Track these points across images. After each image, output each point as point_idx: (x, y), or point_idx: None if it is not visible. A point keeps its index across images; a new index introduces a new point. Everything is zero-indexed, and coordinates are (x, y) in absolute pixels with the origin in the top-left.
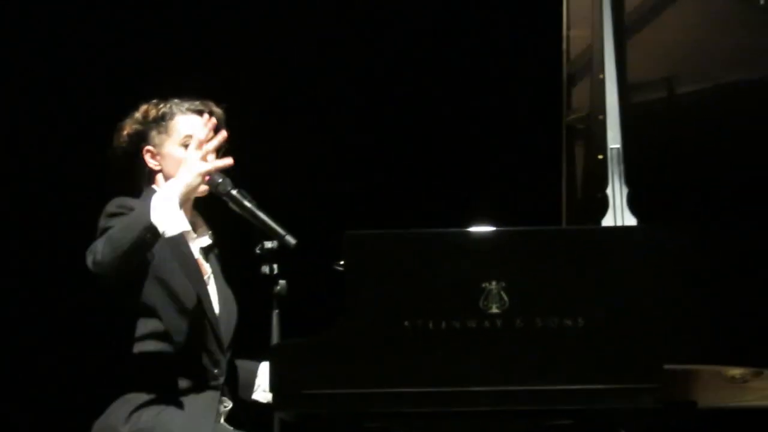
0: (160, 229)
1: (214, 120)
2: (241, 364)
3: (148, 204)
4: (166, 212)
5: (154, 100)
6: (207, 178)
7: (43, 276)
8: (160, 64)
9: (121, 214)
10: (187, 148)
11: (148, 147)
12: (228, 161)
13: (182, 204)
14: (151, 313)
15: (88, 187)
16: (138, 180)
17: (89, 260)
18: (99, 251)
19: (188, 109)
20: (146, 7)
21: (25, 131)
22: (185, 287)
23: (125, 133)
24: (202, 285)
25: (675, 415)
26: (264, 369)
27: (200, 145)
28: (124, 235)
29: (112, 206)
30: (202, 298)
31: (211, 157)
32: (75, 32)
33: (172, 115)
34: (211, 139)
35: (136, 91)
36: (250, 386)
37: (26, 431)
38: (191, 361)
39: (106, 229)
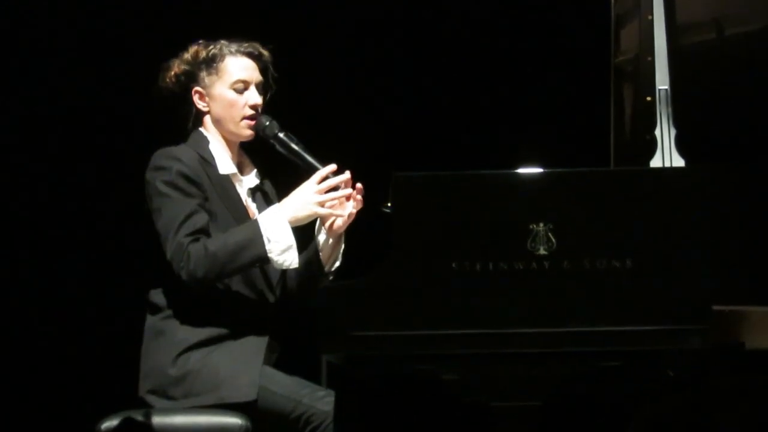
0: (277, 262)
1: (344, 175)
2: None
3: (256, 228)
4: (284, 245)
5: (203, 41)
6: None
7: (87, 223)
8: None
9: (167, 168)
10: (237, 92)
11: (197, 88)
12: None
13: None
14: None
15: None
16: (183, 122)
17: (184, 272)
18: (201, 268)
19: (238, 51)
20: None
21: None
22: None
23: (173, 72)
24: None
25: (723, 357)
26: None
27: (322, 179)
28: (233, 259)
29: (159, 159)
30: None
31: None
32: None
33: (222, 57)
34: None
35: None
36: (316, 247)
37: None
38: (240, 302)
39: (158, 191)
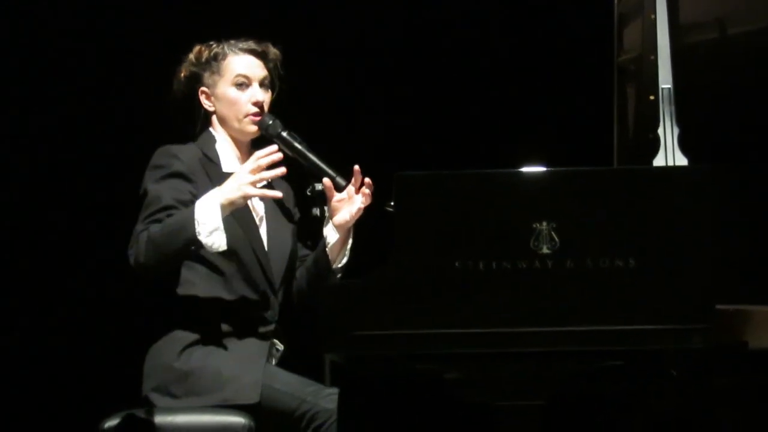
0: (206, 244)
1: (276, 154)
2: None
3: (191, 211)
4: (211, 226)
5: (209, 42)
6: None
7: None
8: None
9: (163, 166)
10: (239, 87)
11: (203, 88)
12: (277, 193)
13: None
14: (199, 257)
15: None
16: (193, 124)
17: (131, 259)
18: (142, 253)
19: (241, 49)
20: None
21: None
22: (234, 230)
23: (182, 76)
24: (253, 227)
25: (727, 356)
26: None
27: (258, 168)
28: (168, 242)
29: (158, 157)
30: (252, 239)
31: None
32: None
33: (224, 56)
34: (268, 167)
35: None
36: (324, 245)
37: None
38: (242, 302)
39: (146, 190)
